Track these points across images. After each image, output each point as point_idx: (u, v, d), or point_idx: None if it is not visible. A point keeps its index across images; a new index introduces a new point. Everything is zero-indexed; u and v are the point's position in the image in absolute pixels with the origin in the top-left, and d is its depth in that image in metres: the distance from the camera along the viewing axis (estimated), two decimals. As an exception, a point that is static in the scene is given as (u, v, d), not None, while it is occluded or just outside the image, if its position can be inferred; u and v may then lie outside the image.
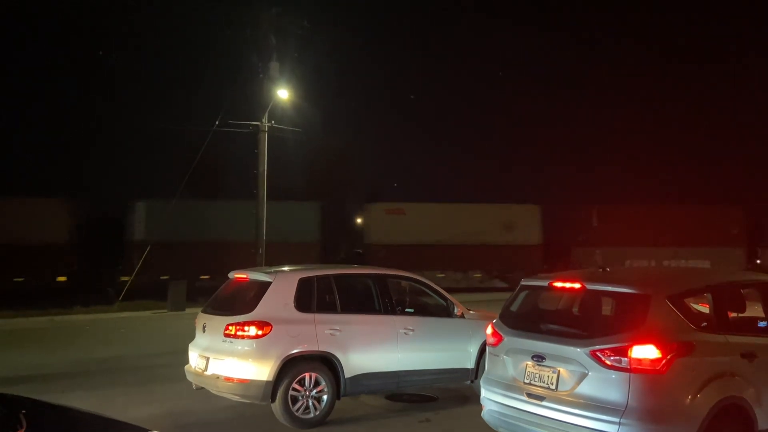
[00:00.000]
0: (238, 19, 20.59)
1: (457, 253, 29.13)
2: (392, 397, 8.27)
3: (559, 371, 5.03)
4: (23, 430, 2.64)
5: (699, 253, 30.64)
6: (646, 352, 4.64)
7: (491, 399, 5.59)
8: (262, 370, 6.79)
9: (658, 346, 4.65)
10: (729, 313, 5.34)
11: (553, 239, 32.14)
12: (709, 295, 5.37)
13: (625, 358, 4.66)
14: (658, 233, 30.60)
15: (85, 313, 19.92)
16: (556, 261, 29.31)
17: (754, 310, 5.81)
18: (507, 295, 6.27)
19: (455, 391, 8.55)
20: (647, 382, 4.62)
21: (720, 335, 5.04)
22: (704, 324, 5.15)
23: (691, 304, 5.44)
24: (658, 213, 32.02)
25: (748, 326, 5.43)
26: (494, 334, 5.76)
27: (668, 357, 4.64)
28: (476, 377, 7.86)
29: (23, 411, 2.88)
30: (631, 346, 4.67)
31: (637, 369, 4.63)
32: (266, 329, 6.87)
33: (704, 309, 5.68)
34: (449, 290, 8.75)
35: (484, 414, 5.70)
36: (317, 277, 7.48)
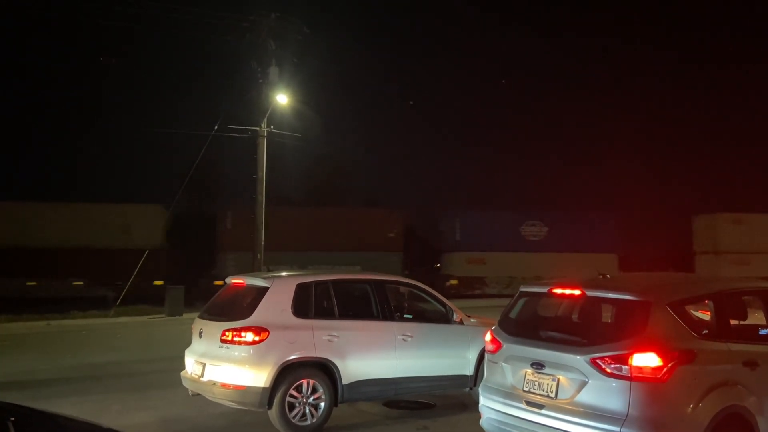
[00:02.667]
0: (237, 25, 20.50)
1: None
2: (390, 404, 8.20)
3: (558, 379, 4.97)
4: None
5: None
6: (647, 360, 4.58)
7: (490, 407, 5.53)
8: (259, 377, 6.73)
9: (659, 354, 4.59)
10: (730, 320, 5.28)
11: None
12: (710, 302, 5.31)
13: (626, 366, 4.60)
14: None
15: (82, 318, 19.86)
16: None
17: (755, 317, 5.76)
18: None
19: (453, 399, 8.48)
20: (648, 391, 4.56)
21: (722, 343, 4.99)
22: (705, 332, 5.09)
23: (692, 312, 5.39)
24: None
25: (750, 334, 5.37)
26: (493, 341, 5.71)
27: (669, 365, 4.58)
28: (475, 384, 7.80)
29: (12, 419, 2.81)
30: (631, 353, 4.61)
31: (637, 377, 4.57)
32: (263, 335, 6.81)
33: (705, 316, 5.63)
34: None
35: (483, 422, 5.64)
36: (315, 282, 7.43)
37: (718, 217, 31.83)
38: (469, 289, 28.51)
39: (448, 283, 28.18)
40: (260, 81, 20.75)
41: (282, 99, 20.92)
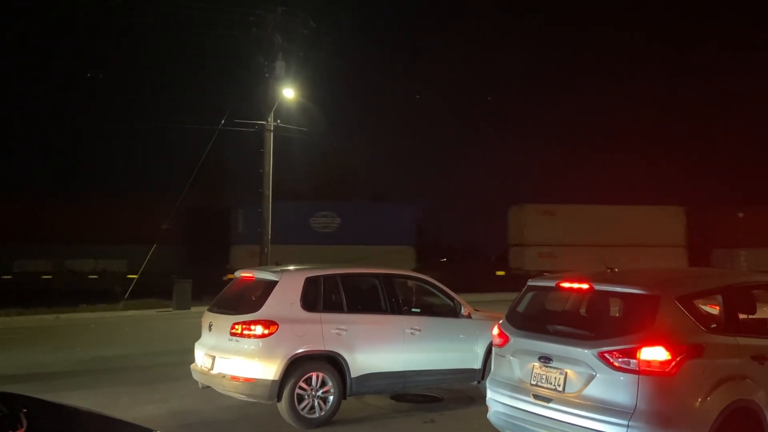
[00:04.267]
0: (244, 19, 20.51)
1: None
2: (397, 397, 8.22)
3: (566, 373, 4.97)
4: (23, 429, 2.60)
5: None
6: (655, 353, 4.58)
7: (497, 400, 5.54)
8: (268, 370, 6.76)
9: (667, 348, 4.59)
10: (739, 314, 5.27)
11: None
12: (719, 297, 5.30)
13: (634, 360, 4.60)
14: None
15: (90, 311, 19.98)
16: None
17: (764, 312, 5.74)
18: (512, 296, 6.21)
19: (460, 392, 8.50)
20: (656, 385, 4.56)
21: (730, 337, 4.98)
22: (714, 326, 5.09)
23: (700, 306, 5.38)
24: None
25: (759, 328, 5.35)
26: (500, 334, 5.71)
27: (678, 359, 4.58)
28: (483, 378, 7.80)
29: (24, 410, 2.84)
30: (640, 347, 4.61)
31: (645, 371, 4.57)
32: (272, 328, 6.84)
33: (713, 310, 5.62)
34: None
35: (490, 415, 5.65)
36: (323, 276, 7.45)
37: (525, 208, 31.02)
38: None
39: (225, 278, 26.80)
40: (267, 75, 20.73)
41: (288, 93, 20.91)
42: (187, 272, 24.86)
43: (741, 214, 31.75)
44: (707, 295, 5.44)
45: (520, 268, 28.98)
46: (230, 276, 25.90)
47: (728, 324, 5.13)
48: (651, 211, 31.25)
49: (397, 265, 24.76)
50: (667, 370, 4.56)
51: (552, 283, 5.67)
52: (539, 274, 29.65)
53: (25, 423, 2.68)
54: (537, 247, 29.51)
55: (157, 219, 26.17)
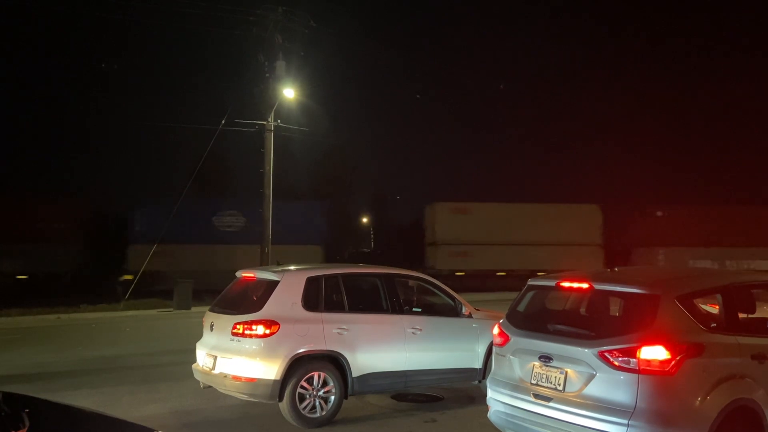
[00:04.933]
0: (244, 19, 20.53)
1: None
2: (398, 396, 8.24)
3: (566, 372, 4.99)
4: (26, 429, 2.62)
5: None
6: (655, 353, 4.59)
7: (498, 399, 5.55)
8: (269, 369, 6.78)
9: (667, 347, 4.60)
10: (739, 313, 5.28)
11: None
12: (718, 296, 5.30)
13: (634, 359, 4.61)
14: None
15: (91, 311, 20.01)
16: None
17: (764, 311, 5.75)
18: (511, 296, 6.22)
19: (461, 391, 8.51)
20: (656, 384, 4.57)
21: (730, 336, 4.99)
22: (714, 325, 5.10)
23: (700, 305, 5.38)
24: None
25: (759, 327, 5.36)
26: (501, 334, 5.72)
27: (677, 358, 4.59)
28: (484, 377, 7.82)
29: (26, 410, 2.86)
30: (639, 347, 4.62)
31: (645, 370, 4.58)
32: (274, 328, 6.85)
33: (713, 310, 5.63)
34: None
35: (491, 415, 5.67)
36: (325, 276, 7.46)
37: (437, 206, 30.56)
38: (148, 285, 24.70)
39: (121, 279, 25.17)
40: (267, 75, 20.75)
41: (289, 93, 20.93)
42: (83, 272, 25.12)
43: (660, 213, 31.70)
44: (707, 294, 5.44)
45: (433, 267, 28.42)
46: (127, 277, 24.45)
47: (728, 323, 5.14)
48: (567, 210, 31.02)
49: (304, 263, 24.70)
50: (667, 369, 4.57)
51: (552, 283, 5.68)
52: (451, 274, 29.13)
53: (27, 423, 2.69)
54: (449, 246, 28.96)
55: (56, 219, 26.05)
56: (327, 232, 29.47)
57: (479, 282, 27.06)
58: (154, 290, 23.76)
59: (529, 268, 27.85)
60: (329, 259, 27.72)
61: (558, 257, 27.36)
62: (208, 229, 27.49)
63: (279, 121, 21.26)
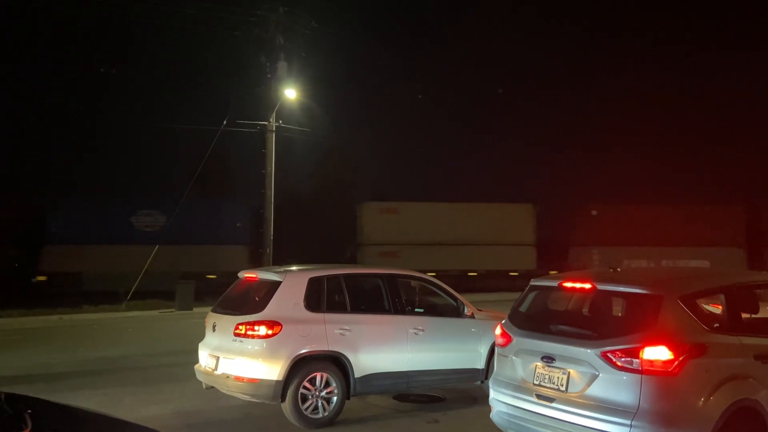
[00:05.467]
0: (246, 20, 20.57)
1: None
2: (400, 397, 8.23)
3: (569, 372, 4.98)
4: (28, 430, 2.61)
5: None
6: (658, 353, 4.58)
7: (500, 400, 5.54)
8: (272, 370, 6.77)
9: (670, 348, 4.58)
10: (742, 314, 5.26)
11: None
12: (721, 296, 5.29)
13: (637, 360, 4.60)
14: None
15: (93, 312, 20.02)
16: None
17: (766, 311, 5.73)
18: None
19: (463, 392, 8.50)
20: (659, 384, 4.56)
21: (733, 336, 4.97)
22: (717, 325, 5.08)
23: (703, 305, 5.37)
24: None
25: (762, 327, 5.34)
26: (503, 334, 5.71)
27: (681, 358, 4.58)
28: (486, 378, 7.81)
29: (29, 411, 2.86)
30: (642, 347, 4.60)
31: (648, 370, 4.56)
32: (276, 329, 6.85)
33: (716, 310, 5.61)
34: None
35: (493, 415, 5.65)
36: (327, 276, 7.46)
37: (367, 206, 30.21)
38: (60, 287, 24.48)
39: (34, 280, 25.12)
40: (269, 76, 20.78)
41: (290, 94, 20.95)
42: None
43: (594, 212, 31.44)
44: (710, 294, 5.43)
45: None
46: (40, 278, 24.59)
47: (731, 323, 5.13)
48: (499, 209, 30.63)
49: (228, 264, 23.97)
50: (670, 369, 4.56)
51: (555, 283, 5.67)
52: None
53: (30, 424, 2.69)
54: (378, 246, 28.27)
55: None
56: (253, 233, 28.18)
57: None
58: (71, 292, 23.42)
59: (459, 268, 27.74)
60: (254, 260, 26.65)
61: (490, 257, 27.12)
62: (125, 228, 26.73)
63: (280, 121, 21.28)
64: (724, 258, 30.02)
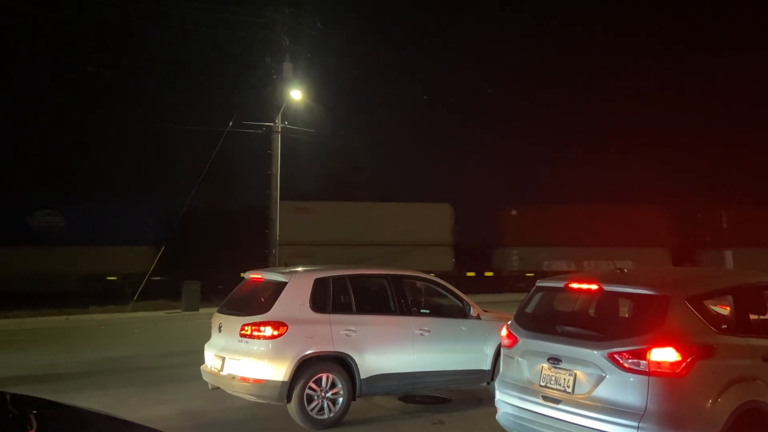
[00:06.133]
0: (252, 20, 20.59)
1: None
2: (405, 398, 8.21)
3: (575, 374, 4.95)
4: (33, 430, 2.61)
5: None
6: (665, 354, 4.55)
7: (506, 401, 5.52)
8: (278, 371, 6.77)
9: (677, 349, 4.56)
10: (750, 315, 5.23)
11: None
12: (729, 297, 5.26)
13: (644, 361, 4.57)
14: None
15: (100, 312, 20.08)
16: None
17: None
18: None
19: (469, 393, 8.48)
20: (666, 386, 4.53)
21: (741, 338, 4.94)
22: (724, 326, 5.05)
23: (710, 306, 5.34)
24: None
25: None
26: (509, 335, 5.69)
27: (688, 360, 4.55)
28: (492, 379, 7.79)
29: (34, 411, 2.85)
30: (650, 348, 4.58)
31: (656, 372, 4.54)
32: (282, 329, 6.84)
33: (723, 311, 5.58)
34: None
35: (499, 416, 5.63)
36: (332, 277, 7.45)
37: (280, 205, 29.73)
38: None
39: None
40: (274, 77, 20.80)
41: (296, 95, 20.96)
42: None
43: (514, 212, 31.21)
44: (718, 295, 5.40)
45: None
46: None
47: (739, 324, 5.09)
48: (415, 208, 30.06)
49: (133, 265, 23.30)
50: (678, 371, 4.53)
51: (561, 284, 5.65)
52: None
53: (35, 425, 2.68)
54: (290, 246, 27.17)
55: None
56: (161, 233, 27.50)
57: None
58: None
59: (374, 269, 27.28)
60: (162, 261, 26.84)
61: (406, 258, 26.08)
62: (22, 229, 25.89)
63: (286, 122, 21.30)
64: (649, 258, 29.59)
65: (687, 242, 33.39)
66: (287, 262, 17.26)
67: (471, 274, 30.67)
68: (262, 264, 28.11)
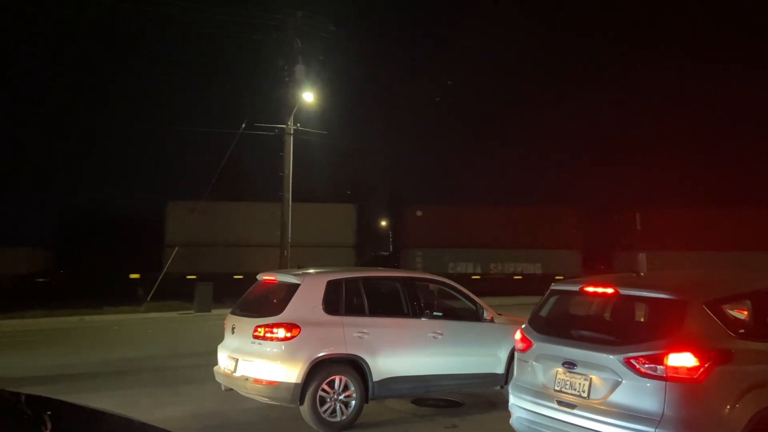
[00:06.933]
0: (264, 23, 20.68)
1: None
2: (418, 401, 8.18)
3: (591, 379, 4.90)
4: (48, 431, 2.61)
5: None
6: (682, 359, 4.49)
7: (520, 406, 5.47)
8: (290, 373, 6.76)
9: (695, 354, 4.49)
10: None
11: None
12: (747, 302, 5.18)
13: (661, 366, 4.51)
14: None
15: (114, 313, 20.20)
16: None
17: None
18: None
19: (482, 397, 8.43)
20: (684, 391, 4.47)
21: (759, 342, 4.86)
22: (742, 331, 4.97)
23: (728, 311, 5.26)
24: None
25: None
26: (523, 339, 5.64)
27: (706, 365, 4.48)
28: (506, 383, 7.74)
29: (48, 412, 2.85)
30: (667, 353, 4.52)
31: (673, 377, 4.48)
32: (295, 331, 6.83)
33: (740, 315, 5.50)
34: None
35: (513, 421, 5.59)
36: (345, 279, 7.43)
37: (171, 205, 28.92)
38: None
39: None
40: (287, 79, 20.86)
41: (308, 97, 21.01)
42: None
43: (419, 213, 30.63)
44: (736, 299, 5.32)
45: (165, 269, 26.91)
46: None
47: (757, 329, 5.02)
48: (319, 209, 29.53)
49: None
50: (695, 376, 4.47)
51: (576, 288, 5.59)
52: (182, 278, 25.43)
53: (49, 425, 2.68)
54: (183, 247, 26.63)
55: None
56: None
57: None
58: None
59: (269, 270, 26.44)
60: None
61: (306, 259, 25.88)
62: None
63: (298, 124, 21.35)
64: (559, 260, 29.30)
65: (600, 244, 33.31)
66: (299, 264, 17.21)
67: None
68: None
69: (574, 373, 5.01)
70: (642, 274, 5.81)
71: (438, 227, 29.85)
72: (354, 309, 7.35)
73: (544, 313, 5.77)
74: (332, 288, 7.25)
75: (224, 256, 27.52)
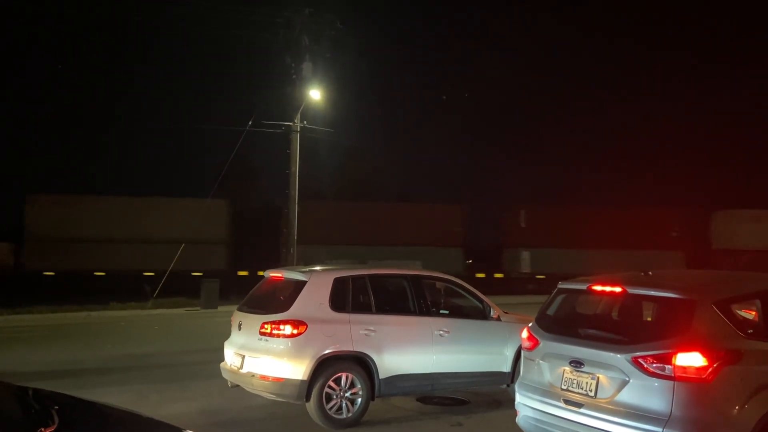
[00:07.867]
0: (272, 21, 20.69)
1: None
2: (423, 399, 8.17)
3: (598, 378, 4.88)
4: (55, 426, 2.61)
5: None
6: (691, 359, 4.46)
7: (526, 404, 5.46)
8: (297, 369, 6.77)
9: (704, 354, 4.47)
10: None
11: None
12: (757, 301, 5.15)
13: (669, 366, 4.49)
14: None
15: (120, 309, 20.25)
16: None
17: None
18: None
19: (487, 395, 8.41)
20: (692, 391, 4.45)
21: None
22: (751, 331, 4.95)
23: (737, 311, 5.23)
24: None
25: None
26: (530, 338, 5.63)
27: (715, 365, 4.46)
28: (512, 381, 7.72)
29: (56, 407, 2.86)
30: (675, 353, 4.50)
31: (681, 377, 4.46)
32: (301, 328, 6.84)
33: (749, 315, 5.46)
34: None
35: (519, 420, 5.57)
36: (352, 276, 7.43)
37: (33, 198, 27.90)
38: None
39: None
40: (294, 77, 20.87)
41: (315, 94, 21.01)
42: None
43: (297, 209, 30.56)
44: (745, 299, 5.29)
45: (23, 265, 26.50)
46: None
47: (767, 329, 4.98)
48: (186, 204, 27.86)
49: None
50: (704, 376, 4.44)
51: (584, 286, 5.57)
52: (39, 273, 25.11)
53: (56, 420, 2.68)
54: (44, 243, 26.13)
55: None
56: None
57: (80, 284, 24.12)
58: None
59: (135, 267, 25.90)
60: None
61: (172, 256, 23.50)
62: None
63: (305, 122, 21.35)
64: (441, 258, 28.36)
65: (483, 241, 33.68)
66: (306, 262, 17.28)
67: (243, 273, 28.85)
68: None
69: (582, 372, 5.00)
70: (650, 273, 5.77)
71: (317, 223, 28.37)
72: (361, 306, 7.35)
73: (551, 311, 5.75)
74: (339, 285, 7.25)
75: (85, 251, 26.93)
